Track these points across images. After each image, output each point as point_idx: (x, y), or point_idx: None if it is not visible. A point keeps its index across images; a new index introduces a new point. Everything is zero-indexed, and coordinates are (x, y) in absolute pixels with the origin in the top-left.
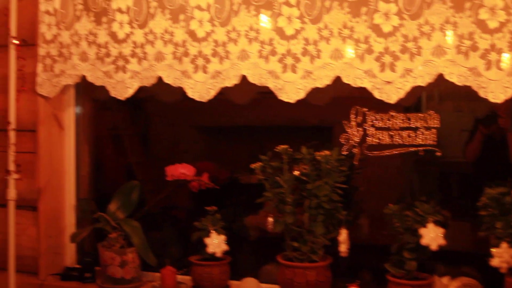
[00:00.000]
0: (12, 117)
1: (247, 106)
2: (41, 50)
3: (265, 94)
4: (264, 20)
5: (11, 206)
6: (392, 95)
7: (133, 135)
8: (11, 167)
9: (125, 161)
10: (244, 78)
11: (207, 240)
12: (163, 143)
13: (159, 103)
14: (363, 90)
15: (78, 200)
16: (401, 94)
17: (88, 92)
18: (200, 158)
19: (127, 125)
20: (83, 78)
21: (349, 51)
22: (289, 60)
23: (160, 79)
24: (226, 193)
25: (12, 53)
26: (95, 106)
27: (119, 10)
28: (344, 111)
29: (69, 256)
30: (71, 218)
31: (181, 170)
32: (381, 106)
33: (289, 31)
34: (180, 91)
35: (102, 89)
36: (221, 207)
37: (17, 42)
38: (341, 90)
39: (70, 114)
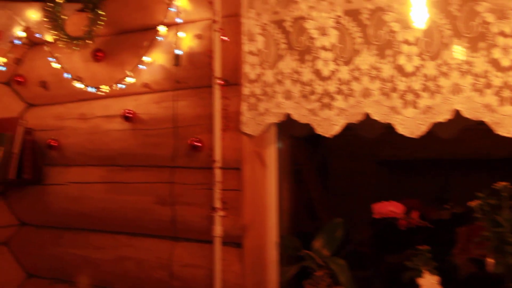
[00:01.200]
0: (217, 155)
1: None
2: (245, 90)
3: None
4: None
5: (217, 242)
6: None
7: (312, 169)
8: (217, 204)
9: (306, 196)
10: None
11: (421, 281)
12: (342, 177)
13: (338, 137)
14: None
15: (281, 237)
16: None
17: (286, 129)
18: (381, 193)
19: (306, 160)
20: (287, 116)
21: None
22: (506, 93)
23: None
24: (422, 230)
25: (217, 93)
26: (291, 143)
27: (323, 48)
28: None
29: None
30: (274, 254)
31: (390, 208)
32: None
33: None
34: (356, 125)
35: (300, 125)
36: (419, 244)
37: (221, 82)
38: None
39: (272, 151)
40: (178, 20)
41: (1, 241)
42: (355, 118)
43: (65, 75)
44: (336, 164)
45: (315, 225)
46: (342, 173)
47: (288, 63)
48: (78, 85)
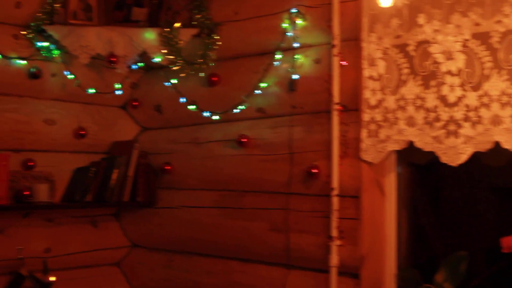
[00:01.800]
0: (335, 182)
1: None
2: (366, 116)
3: None
4: None
5: (333, 272)
6: None
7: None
8: (334, 233)
9: (419, 225)
10: None
11: None
12: (453, 205)
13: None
14: None
15: (399, 268)
16: None
17: (406, 156)
18: (496, 222)
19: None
20: (409, 143)
21: None
22: None
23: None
24: None
25: (335, 119)
26: (411, 170)
27: (449, 73)
28: None
29: None
30: (391, 287)
31: None
32: None
33: None
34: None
35: (421, 152)
36: None
37: (340, 107)
38: None
39: (391, 179)
40: (295, 45)
41: (113, 261)
42: (484, 146)
43: (181, 99)
44: (447, 191)
45: (428, 255)
46: (453, 201)
47: (411, 89)
48: (193, 109)
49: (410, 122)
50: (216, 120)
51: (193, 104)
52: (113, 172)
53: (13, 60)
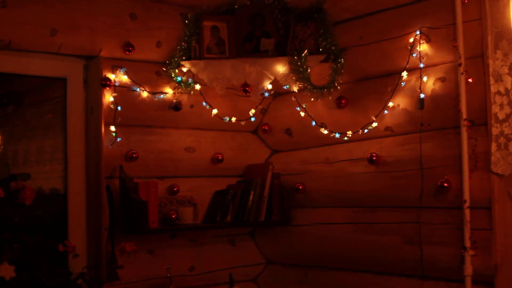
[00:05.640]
0: (466, 195)
1: None
2: (494, 130)
3: None
4: None
5: (468, 281)
6: None
7: None
8: (467, 243)
9: None
10: None
11: None
12: None
13: None
14: None
15: None
16: None
17: None
18: None
19: None
20: None
21: None
22: None
23: None
24: None
25: (464, 134)
26: None
27: None
28: None
29: None
30: None
31: None
32: None
33: None
34: None
35: None
36: None
37: (468, 123)
38: None
39: None
40: (421, 65)
41: (251, 278)
42: None
43: (313, 122)
44: None
45: None
46: None
47: None
48: (323, 131)
49: None
50: (346, 140)
51: (323, 126)
52: (250, 194)
53: (156, 95)
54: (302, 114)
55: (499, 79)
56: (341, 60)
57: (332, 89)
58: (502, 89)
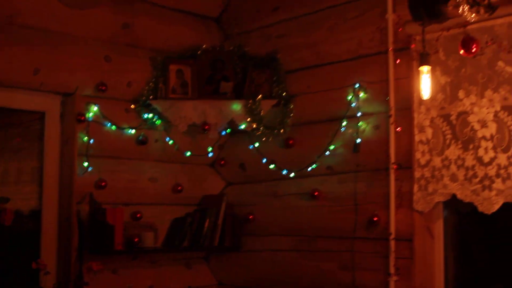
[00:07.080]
0: (392, 228)
1: None
2: (417, 173)
3: None
4: None
5: None
6: None
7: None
8: (392, 270)
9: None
10: None
11: None
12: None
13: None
14: None
15: None
16: None
17: (452, 205)
18: None
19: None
20: (453, 195)
21: None
22: None
23: None
24: None
25: (392, 176)
26: (458, 217)
27: (484, 138)
28: None
29: None
30: None
31: None
32: None
33: None
34: None
35: (464, 203)
36: None
37: (395, 166)
38: None
39: (439, 225)
40: (358, 114)
41: None
42: None
43: (263, 159)
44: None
45: None
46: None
47: (454, 151)
48: (273, 167)
49: (453, 178)
50: (292, 176)
51: (272, 163)
52: (206, 221)
53: (125, 130)
54: (255, 151)
55: (422, 130)
56: (290, 105)
57: (281, 130)
58: (424, 139)
